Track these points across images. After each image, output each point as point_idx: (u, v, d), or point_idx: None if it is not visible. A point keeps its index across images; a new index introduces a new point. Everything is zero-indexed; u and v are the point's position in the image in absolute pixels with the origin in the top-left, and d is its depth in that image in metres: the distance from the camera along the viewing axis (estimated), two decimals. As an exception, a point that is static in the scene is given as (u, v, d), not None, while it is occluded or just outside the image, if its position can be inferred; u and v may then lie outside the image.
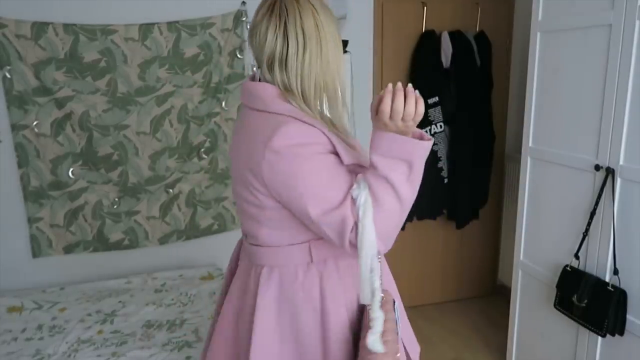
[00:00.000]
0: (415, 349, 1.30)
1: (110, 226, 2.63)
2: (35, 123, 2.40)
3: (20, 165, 2.44)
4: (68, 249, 2.60)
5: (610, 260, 1.87)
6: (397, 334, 1.06)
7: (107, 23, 2.40)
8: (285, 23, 1.02)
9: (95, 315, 2.16)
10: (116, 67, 2.43)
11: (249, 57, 2.64)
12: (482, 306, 3.36)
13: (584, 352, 2.03)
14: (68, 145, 2.48)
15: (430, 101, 2.92)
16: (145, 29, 2.45)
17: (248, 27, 2.56)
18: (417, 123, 0.97)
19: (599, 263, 1.92)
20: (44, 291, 2.41)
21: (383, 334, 0.97)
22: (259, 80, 1.10)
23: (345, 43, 1.06)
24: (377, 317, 0.97)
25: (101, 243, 2.64)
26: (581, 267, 1.99)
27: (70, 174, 2.51)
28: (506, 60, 3.20)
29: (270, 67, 1.05)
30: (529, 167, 2.28)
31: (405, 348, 1.22)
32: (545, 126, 2.17)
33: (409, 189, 0.98)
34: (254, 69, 1.11)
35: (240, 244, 1.32)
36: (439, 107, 2.93)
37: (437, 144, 2.98)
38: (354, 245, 0.97)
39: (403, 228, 3.06)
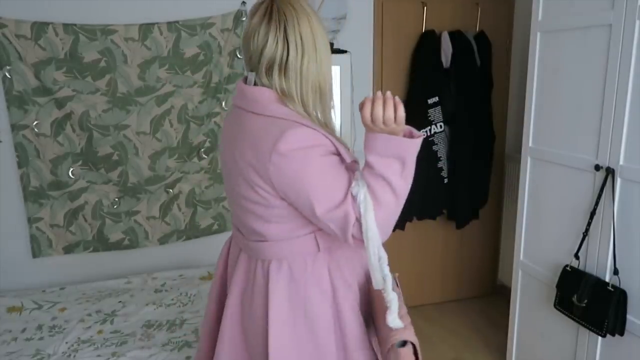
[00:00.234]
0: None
1: (110, 226, 2.63)
2: (35, 123, 2.40)
3: (20, 165, 2.44)
4: (68, 249, 2.60)
5: (610, 260, 1.87)
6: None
7: (107, 23, 2.40)
8: (284, 28, 1.05)
9: (95, 315, 2.16)
10: (116, 67, 2.43)
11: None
12: (482, 306, 3.36)
13: (584, 352, 2.03)
14: (68, 145, 2.48)
15: (430, 101, 2.92)
16: (145, 29, 2.45)
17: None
18: (402, 124, 1.02)
19: (599, 263, 1.92)
20: (44, 291, 2.41)
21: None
22: (254, 84, 1.12)
23: (330, 45, 1.14)
24: (392, 299, 1.05)
25: (101, 243, 2.64)
26: (581, 267, 1.99)
27: (70, 174, 2.51)
28: (506, 60, 3.20)
29: (269, 72, 1.08)
30: (529, 167, 2.28)
31: None
32: (545, 126, 2.17)
33: (404, 183, 1.05)
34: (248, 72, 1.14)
35: (229, 244, 1.34)
36: (439, 107, 2.93)
37: (437, 144, 2.97)
38: (357, 239, 1.04)
39: (403, 228, 3.10)
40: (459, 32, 2.95)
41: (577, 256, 1.99)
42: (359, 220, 1.02)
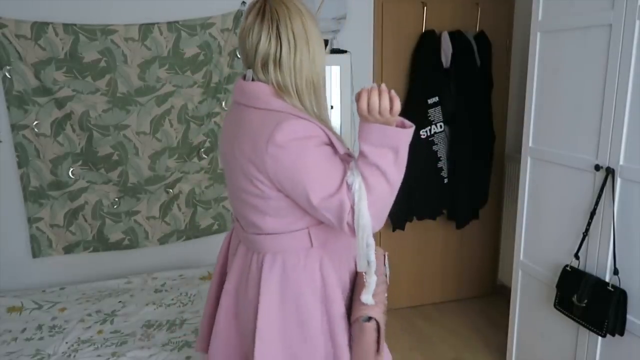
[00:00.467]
0: None
1: (110, 226, 2.63)
2: (35, 123, 2.41)
3: (20, 165, 2.44)
4: (68, 249, 2.60)
5: (610, 260, 1.87)
6: (387, 283, 1.28)
7: (107, 23, 2.40)
8: (277, 26, 1.10)
9: (95, 315, 2.16)
10: (116, 67, 2.43)
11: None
12: (482, 306, 3.36)
13: (584, 352, 2.03)
14: (68, 145, 2.48)
15: (430, 101, 2.92)
16: (145, 29, 2.45)
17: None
18: (396, 115, 1.06)
19: (599, 263, 1.92)
20: (44, 291, 2.41)
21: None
22: (252, 80, 1.17)
23: (325, 43, 1.20)
24: (371, 282, 1.14)
25: (101, 243, 2.64)
26: (581, 267, 1.99)
27: (70, 174, 2.51)
28: (506, 60, 3.20)
29: (264, 68, 1.13)
30: (529, 167, 2.28)
31: None
32: (545, 126, 2.17)
33: (397, 172, 1.09)
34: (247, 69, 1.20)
35: (230, 236, 1.40)
36: (439, 107, 2.93)
37: (437, 144, 2.97)
38: (351, 227, 1.08)
39: (403, 228, 3.10)
40: (459, 32, 2.95)
41: (577, 256, 1.99)
42: (353, 209, 1.06)
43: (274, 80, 1.13)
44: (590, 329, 1.89)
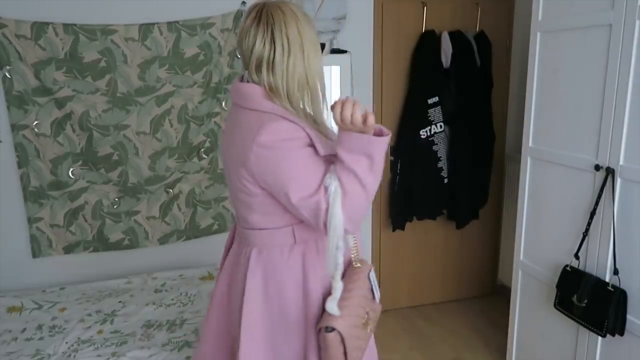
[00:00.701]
0: None
1: (110, 226, 2.63)
2: (35, 123, 2.41)
3: (20, 165, 2.44)
4: (68, 249, 2.60)
5: (610, 260, 1.87)
6: (375, 298, 1.28)
7: (107, 23, 2.40)
8: (272, 30, 1.14)
9: (95, 315, 2.16)
10: (116, 67, 2.43)
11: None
12: (482, 306, 3.36)
13: (584, 352, 2.03)
14: (68, 145, 2.48)
15: (430, 101, 2.92)
16: (145, 29, 2.45)
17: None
18: (370, 126, 1.08)
19: (599, 263, 1.92)
20: (44, 291, 2.41)
21: (342, 300, 1.16)
22: (247, 81, 1.22)
23: (321, 46, 1.23)
24: (337, 287, 1.15)
25: (101, 243, 2.64)
26: (581, 267, 1.99)
27: (70, 174, 2.51)
28: (506, 60, 3.20)
29: (258, 70, 1.18)
30: (529, 167, 2.27)
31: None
32: (545, 126, 2.17)
33: (372, 178, 1.12)
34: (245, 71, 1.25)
35: (234, 228, 1.46)
36: (439, 107, 2.93)
37: (437, 144, 2.97)
38: (327, 227, 1.12)
39: (403, 228, 3.10)
40: (459, 32, 2.95)
41: (577, 256, 1.99)
42: (328, 210, 1.11)
43: (265, 82, 1.17)
44: (590, 329, 1.89)
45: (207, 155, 2.72)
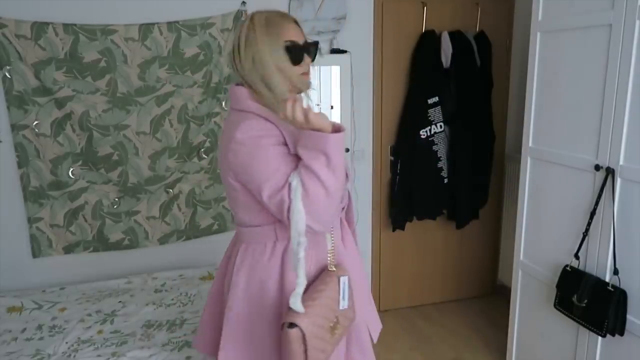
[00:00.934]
0: (376, 327, 1.52)
1: (110, 226, 2.63)
2: (35, 123, 2.41)
3: (20, 165, 2.44)
4: (68, 249, 2.60)
5: (610, 260, 1.87)
6: (344, 306, 1.27)
7: (107, 23, 2.40)
8: (239, 39, 1.25)
9: (95, 315, 2.16)
10: (116, 67, 2.43)
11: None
12: (482, 306, 3.36)
13: (584, 352, 2.03)
14: (68, 145, 2.48)
15: (430, 101, 2.92)
16: (145, 29, 2.45)
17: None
18: (312, 123, 1.11)
19: (599, 263, 1.92)
20: (44, 291, 2.41)
21: (310, 299, 1.17)
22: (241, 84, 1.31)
23: (315, 44, 1.31)
24: (299, 283, 1.16)
25: (101, 243, 2.64)
26: (581, 267, 1.99)
27: (70, 174, 2.52)
28: (506, 60, 3.20)
29: (235, 68, 1.28)
30: (529, 167, 2.28)
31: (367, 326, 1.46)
32: (545, 126, 2.17)
33: (331, 176, 1.14)
34: None
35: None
36: (439, 107, 2.93)
37: (437, 144, 2.97)
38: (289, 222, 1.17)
39: (403, 228, 3.10)
40: (459, 32, 2.95)
41: (577, 256, 1.99)
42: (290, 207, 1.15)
43: (246, 82, 1.26)
44: (590, 329, 1.89)
45: (207, 155, 2.72)
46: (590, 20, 1.88)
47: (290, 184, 1.14)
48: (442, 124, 2.96)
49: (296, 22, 1.30)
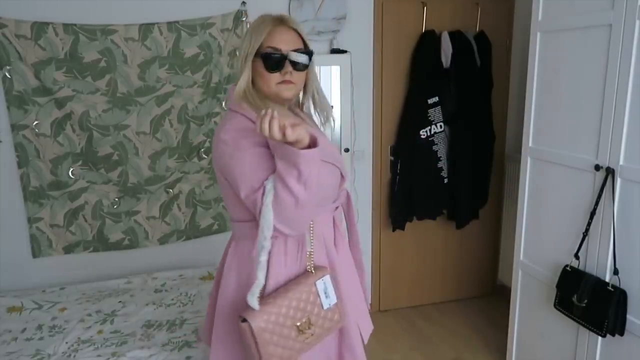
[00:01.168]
0: (367, 328, 1.52)
1: (110, 226, 2.63)
2: (35, 123, 2.41)
3: (20, 165, 2.44)
4: (68, 249, 2.60)
5: (610, 260, 1.87)
6: (323, 308, 1.28)
7: (107, 23, 2.40)
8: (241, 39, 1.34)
9: (95, 315, 2.16)
10: (116, 67, 2.43)
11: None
12: (482, 306, 3.36)
13: (584, 352, 2.03)
14: (68, 145, 2.48)
15: (430, 101, 2.92)
16: (145, 29, 2.45)
17: (248, 27, 2.56)
18: (293, 138, 1.07)
19: (599, 263, 1.92)
20: (44, 291, 2.41)
21: (272, 297, 1.23)
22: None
23: (308, 52, 1.32)
24: (255, 283, 1.20)
25: (101, 243, 2.64)
26: (581, 267, 1.99)
27: (70, 174, 2.52)
28: (506, 60, 3.20)
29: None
30: (529, 167, 2.27)
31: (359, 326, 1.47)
32: (545, 126, 2.17)
33: (302, 189, 1.14)
34: None
35: None
36: (439, 107, 2.93)
37: (437, 144, 2.97)
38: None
39: (403, 228, 3.10)
40: (459, 32, 2.95)
41: (577, 256, 1.99)
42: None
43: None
44: (590, 329, 1.89)
45: (207, 155, 2.72)
46: (590, 20, 1.88)
47: (265, 187, 1.16)
48: (442, 124, 2.96)
49: (295, 29, 1.30)
